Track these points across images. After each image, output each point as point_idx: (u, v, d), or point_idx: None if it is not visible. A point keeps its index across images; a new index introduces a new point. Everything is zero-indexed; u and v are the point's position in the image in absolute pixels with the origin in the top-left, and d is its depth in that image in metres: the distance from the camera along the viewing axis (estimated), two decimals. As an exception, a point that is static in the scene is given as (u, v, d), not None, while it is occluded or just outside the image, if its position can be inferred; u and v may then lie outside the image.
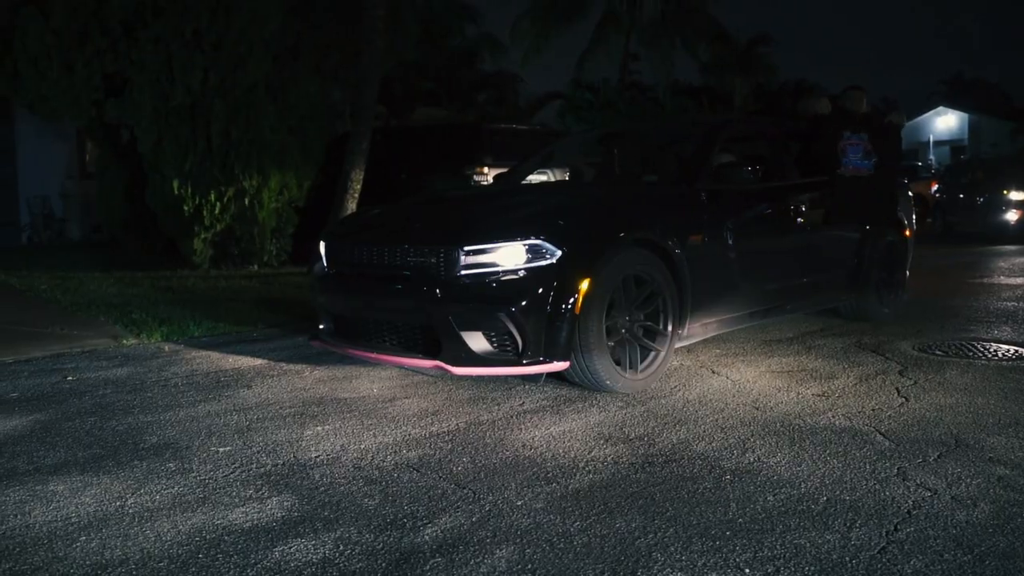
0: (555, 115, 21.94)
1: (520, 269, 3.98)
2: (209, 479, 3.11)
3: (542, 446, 3.42)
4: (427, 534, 2.56)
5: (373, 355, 4.39)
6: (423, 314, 4.12)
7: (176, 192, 9.47)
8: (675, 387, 4.36)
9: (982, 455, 3.19)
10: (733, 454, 3.25)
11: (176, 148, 9.24)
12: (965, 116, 36.70)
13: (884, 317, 6.02)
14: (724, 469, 3.08)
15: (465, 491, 2.93)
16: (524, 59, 23.04)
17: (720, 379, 4.52)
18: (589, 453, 3.31)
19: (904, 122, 5.96)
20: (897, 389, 4.26)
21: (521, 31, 23.29)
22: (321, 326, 4.83)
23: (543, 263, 3.97)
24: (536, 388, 4.32)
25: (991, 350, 5.17)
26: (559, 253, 3.98)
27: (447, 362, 4.03)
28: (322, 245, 4.90)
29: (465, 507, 2.78)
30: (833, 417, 3.76)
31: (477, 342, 4.02)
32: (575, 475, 3.06)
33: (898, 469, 3.04)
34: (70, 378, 4.81)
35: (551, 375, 4.24)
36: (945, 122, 37.07)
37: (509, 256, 3.99)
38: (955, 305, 6.85)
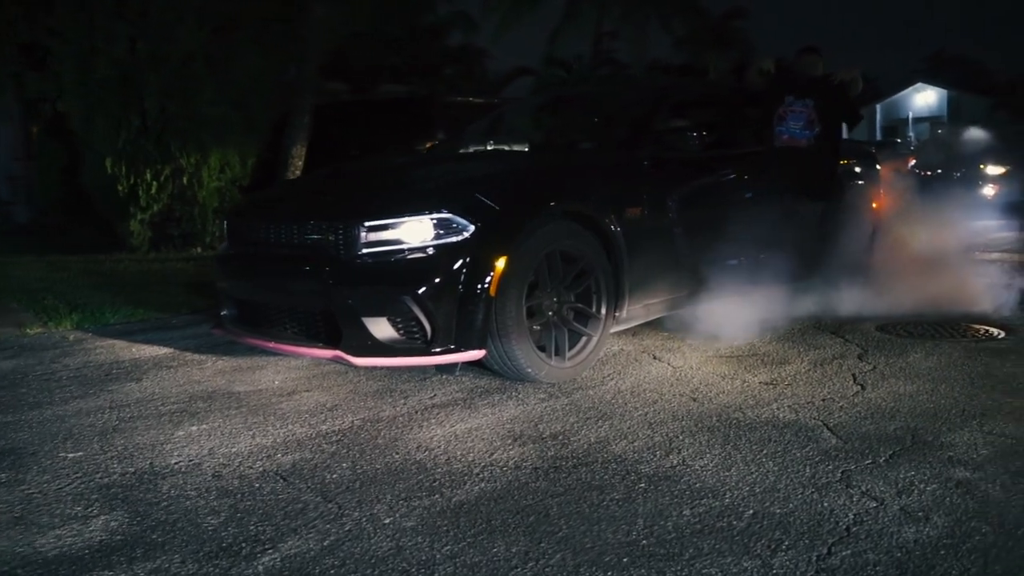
0: (527, 91, 21.40)
1: (428, 246, 3.51)
2: (38, 493, 2.64)
3: (439, 448, 2.97)
4: (262, 564, 2.11)
5: (271, 344, 3.92)
6: (322, 298, 3.65)
7: (110, 171, 8.92)
8: (608, 375, 3.92)
9: (941, 454, 2.76)
10: (655, 456, 2.81)
11: (107, 124, 8.68)
12: (944, 92, 36.35)
13: (848, 295, 5.58)
14: (640, 475, 2.64)
15: (330, 505, 2.48)
16: (495, 35, 22.52)
17: (660, 366, 4.08)
18: (490, 456, 2.86)
19: (857, 77, 5.38)
20: (853, 375, 3.83)
21: (491, 6, 22.70)
22: (223, 312, 4.35)
23: (454, 239, 3.51)
24: (452, 379, 3.86)
25: (960, 330, 4.76)
26: (472, 228, 3.51)
27: (347, 352, 3.57)
28: (226, 223, 4.43)
29: (322, 526, 2.33)
30: (778, 409, 3.32)
31: (381, 329, 3.55)
32: (465, 484, 2.61)
33: (842, 473, 2.61)
34: (-55, 372, 4.32)
35: (472, 363, 3.79)
36: (924, 98, 36.67)
37: (415, 232, 3.52)
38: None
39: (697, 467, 2.69)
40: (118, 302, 6.29)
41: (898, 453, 2.78)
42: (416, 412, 3.40)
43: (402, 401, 3.57)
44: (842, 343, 4.49)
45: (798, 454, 2.78)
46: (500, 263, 3.49)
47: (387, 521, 2.35)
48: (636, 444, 2.93)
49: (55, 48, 8.22)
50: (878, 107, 35.38)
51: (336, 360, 3.68)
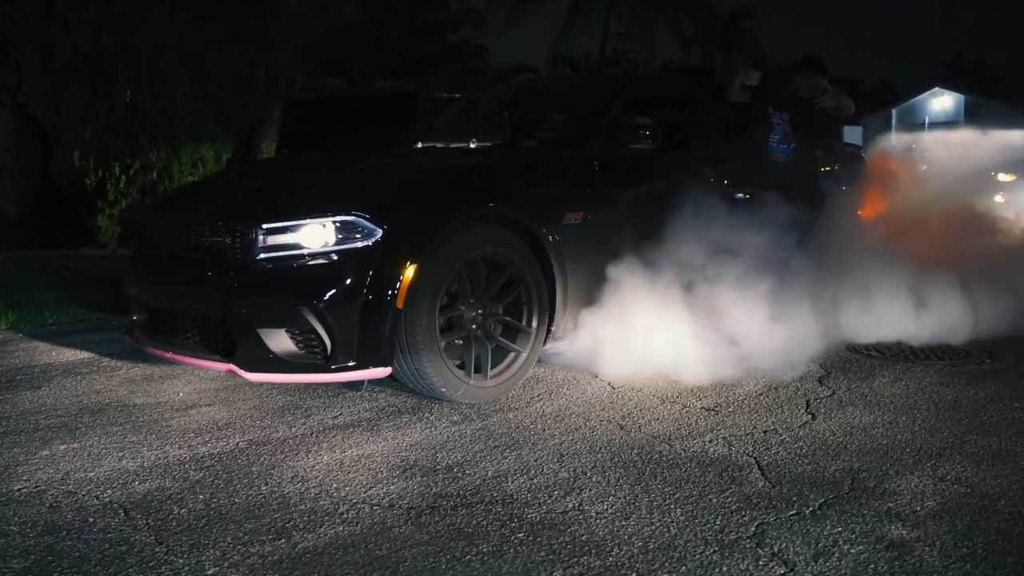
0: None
1: (330, 252, 3.17)
2: None
3: (316, 479, 2.63)
4: (34, 630, 1.78)
5: (169, 354, 3.59)
6: (219, 307, 3.33)
7: (77, 164, 8.66)
8: (538, 395, 3.57)
9: (879, 505, 2.40)
10: (551, 497, 2.46)
11: (74, 115, 8.42)
12: (961, 97, 35.62)
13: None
14: (524, 521, 2.29)
15: (158, 549, 2.15)
16: (500, 32, 22.15)
17: (598, 385, 3.73)
18: (367, 491, 2.53)
19: (847, 103, 5.12)
20: (807, 402, 3.47)
21: (497, 3, 22.33)
22: (134, 318, 4.04)
23: (359, 244, 3.17)
24: (365, 396, 3.53)
25: (938, 350, 4.38)
26: (379, 232, 3.17)
27: (241, 366, 3.24)
28: (137, 222, 4.13)
29: (133, 579, 2.00)
30: (710, 441, 2.96)
31: (279, 342, 3.22)
32: (322, 526, 2.27)
33: (757, 526, 2.25)
34: None
35: (392, 378, 3.45)
36: (941, 103, 35.94)
37: (315, 236, 3.18)
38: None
39: (593, 513, 2.34)
40: (63, 300, 6.02)
41: (830, 502, 2.42)
42: (311, 434, 3.07)
43: (302, 420, 3.24)
44: (805, 363, 4.12)
45: (714, 500, 2.43)
46: (409, 271, 3.15)
47: (210, 572, 2.02)
48: (536, 481, 2.59)
49: (14, 36, 7.95)
50: (894, 112, 34.77)
51: (230, 374, 3.36)
